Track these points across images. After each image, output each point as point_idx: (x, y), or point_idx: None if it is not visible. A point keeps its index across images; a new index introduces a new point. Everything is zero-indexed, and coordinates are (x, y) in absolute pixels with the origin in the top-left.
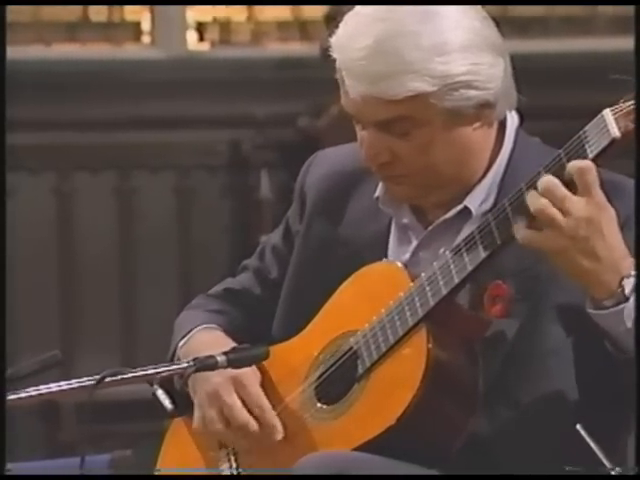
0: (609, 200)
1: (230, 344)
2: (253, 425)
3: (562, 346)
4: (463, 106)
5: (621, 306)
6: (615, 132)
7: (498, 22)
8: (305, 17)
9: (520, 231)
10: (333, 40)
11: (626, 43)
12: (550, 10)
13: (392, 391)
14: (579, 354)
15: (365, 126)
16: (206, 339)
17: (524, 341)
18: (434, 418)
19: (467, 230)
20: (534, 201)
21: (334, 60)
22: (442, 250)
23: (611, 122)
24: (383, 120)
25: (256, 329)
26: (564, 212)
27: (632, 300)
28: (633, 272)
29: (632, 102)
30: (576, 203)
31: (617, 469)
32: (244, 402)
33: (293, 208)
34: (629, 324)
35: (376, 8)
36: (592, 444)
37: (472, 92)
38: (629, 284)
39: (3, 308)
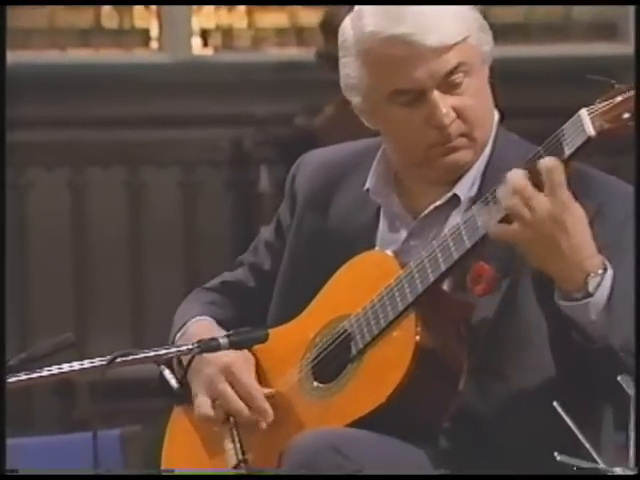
0: (581, 192)
1: (222, 333)
2: (244, 410)
3: (541, 320)
4: (488, 51)
5: (585, 301)
6: (591, 131)
7: None
8: (301, 24)
9: (489, 225)
10: (370, 30)
11: (601, 48)
12: (530, 17)
13: (383, 371)
14: (555, 330)
15: (422, 95)
16: (199, 330)
17: (506, 316)
18: (422, 396)
19: (455, 216)
20: (504, 196)
21: (330, 63)
22: (430, 238)
23: (587, 121)
24: (445, 74)
25: (249, 319)
26: (530, 209)
27: (599, 295)
28: (600, 270)
29: (607, 102)
30: (542, 201)
31: (616, 469)
32: (235, 390)
33: (284, 204)
34: (594, 317)
35: None
36: (568, 420)
37: (487, 37)
38: (594, 282)
39: (3, 302)
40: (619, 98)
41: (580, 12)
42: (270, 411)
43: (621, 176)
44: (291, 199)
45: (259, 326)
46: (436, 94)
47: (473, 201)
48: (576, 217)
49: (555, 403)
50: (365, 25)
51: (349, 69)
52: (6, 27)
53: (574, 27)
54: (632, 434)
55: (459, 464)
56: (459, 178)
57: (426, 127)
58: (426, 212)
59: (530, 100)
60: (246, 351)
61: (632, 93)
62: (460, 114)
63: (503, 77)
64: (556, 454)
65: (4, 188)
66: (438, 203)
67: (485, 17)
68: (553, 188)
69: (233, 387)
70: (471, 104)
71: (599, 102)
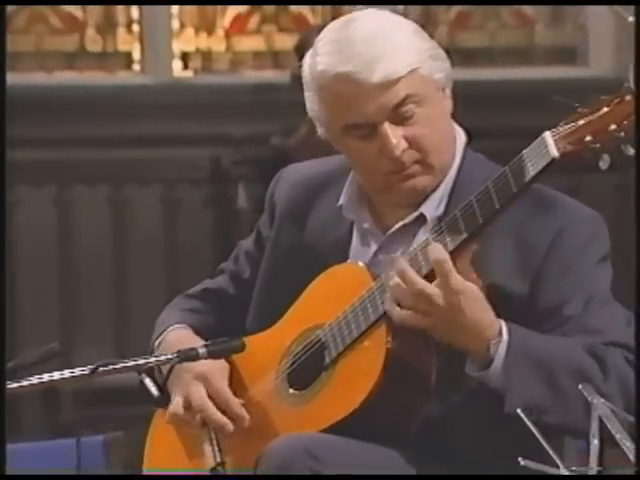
0: (541, 215)
1: (197, 342)
2: (219, 416)
3: None
4: (442, 78)
5: (490, 369)
6: (554, 152)
7: (448, 50)
8: (277, 48)
9: (393, 310)
10: (321, 69)
11: (562, 72)
12: (493, 42)
13: (356, 379)
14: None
15: (374, 129)
16: (176, 338)
17: None
18: (393, 403)
19: (422, 234)
20: (395, 289)
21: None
22: (398, 253)
23: (551, 143)
24: (394, 107)
25: (228, 324)
26: (427, 301)
27: (498, 359)
28: (500, 335)
29: (570, 125)
30: (435, 296)
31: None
32: (210, 397)
33: (264, 216)
34: (504, 378)
35: (339, 29)
36: (532, 427)
37: (443, 65)
38: (494, 345)
39: (3, 309)
40: (581, 121)
41: (542, 37)
42: (246, 416)
43: (584, 194)
44: (270, 211)
45: (238, 332)
46: (386, 126)
47: (440, 219)
48: (469, 297)
49: (519, 410)
50: (318, 63)
51: (310, 103)
52: (6, 27)
53: (536, 51)
54: (595, 440)
55: (427, 467)
56: (425, 198)
57: (381, 157)
58: (393, 230)
59: (494, 122)
60: (222, 360)
61: (595, 116)
62: (413, 143)
63: (468, 99)
64: (520, 459)
65: (4, 203)
66: (405, 221)
67: (446, 43)
68: (444, 278)
69: (209, 394)
70: (424, 133)
71: (562, 125)
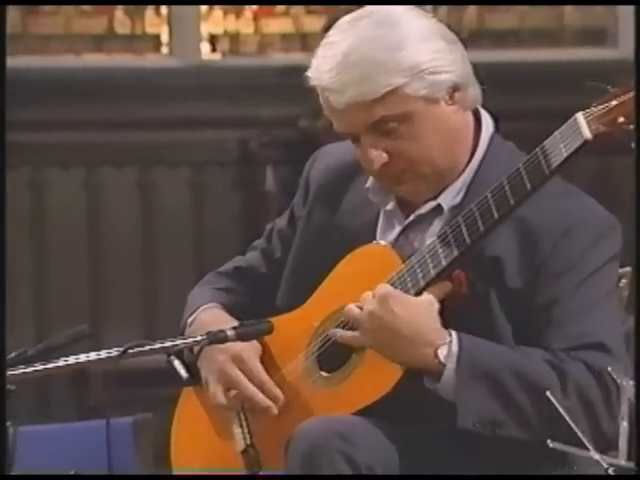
0: (552, 212)
1: (229, 321)
2: (257, 395)
3: (505, 323)
4: (436, 91)
5: (444, 376)
6: (587, 134)
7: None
8: (305, 30)
9: (337, 332)
10: (310, 73)
11: (591, 53)
12: (523, 23)
13: (386, 362)
14: (517, 330)
15: (358, 138)
16: (208, 318)
17: (478, 320)
18: (422, 385)
19: (438, 223)
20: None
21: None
22: (416, 242)
23: (583, 125)
24: (372, 124)
25: (259, 303)
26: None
27: (450, 371)
28: (450, 345)
29: (603, 107)
30: (368, 300)
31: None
32: (246, 376)
33: (298, 195)
34: (454, 393)
35: (338, 31)
36: (561, 410)
37: (439, 77)
38: (443, 351)
39: (3, 308)
40: (614, 102)
41: (571, 19)
42: (281, 396)
43: (612, 176)
44: (304, 191)
45: (268, 312)
46: (366, 138)
47: (455, 208)
48: (405, 303)
49: (548, 393)
50: (310, 67)
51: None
52: (6, 27)
53: (565, 33)
54: (624, 423)
55: (459, 446)
56: (445, 188)
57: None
58: (409, 220)
59: (523, 104)
60: (254, 341)
61: (627, 97)
62: (396, 156)
63: (497, 81)
64: (549, 441)
65: (4, 188)
66: (421, 212)
67: (475, 25)
68: (377, 288)
69: (245, 374)
70: (409, 147)
71: (594, 106)
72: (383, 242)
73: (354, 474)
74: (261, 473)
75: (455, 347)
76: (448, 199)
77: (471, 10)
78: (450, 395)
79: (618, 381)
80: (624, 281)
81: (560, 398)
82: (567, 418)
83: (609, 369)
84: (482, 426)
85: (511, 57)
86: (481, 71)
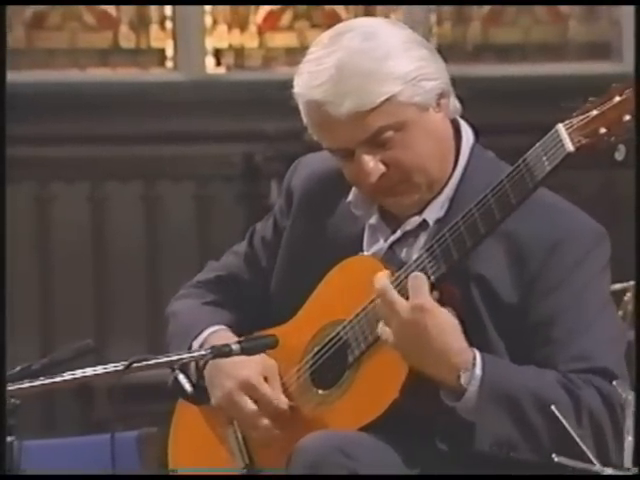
0: (541, 225)
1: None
2: (265, 422)
3: (497, 338)
4: (427, 98)
5: (464, 397)
6: (569, 146)
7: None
8: (309, 44)
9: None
10: (297, 89)
11: (596, 67)
12: (527, 38)
13: (382, 379)
14: (511, 345)
15: (351, 153)
16: (219, 341)
17: (472, 334)
18: (420, 399)
19: (423, 236)
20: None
21: None
22: (402, 256)
23: (565, 137)
24: (368, 137)
25: (251, 314)
26: (394, 313)
27: (472, 394)
28: (471, 364)
29: (583, 116)
30: (403, 306)
31: (607, 470)
32: (257, 403)
33: (280, 204)
34: (475, 414)
35: (320, 47)
36: (566, 424)
37: (429, 83)
38: (466, 377)
39: (3, 312)
40: (594, 112)
41: (575, 33)
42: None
43: (617, 190)
44: (287, 200)
45: (260, 324)
46: (361, 153)
47: (440, 221)
48: (438, 322)
49: (553, 407)
50: (296, 85)
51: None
52: (6, 27)
53: (570, 47)
54: (629, 437)
55: (458, 466)
56: (428, 204)
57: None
58: (396, 236)
59: (527, 118)
60: (266, 357)
61: (607, 106)
62: (392, 166)
63: (501, 95)
64: (554, 455)
65: (4, 200)
66: (407, 229)
67: (480, 39)
68: (415, 293)
69: (255, 400)
70: (404, 156)
71: (575, 116)
72: (370, 253)
73: None
74: (261, 473)
75: (479, 370)
76: (433, 213)
77: (475, 24)
78: (469, 415)
79: (623, 396)
80: (629, 295)
81: (574, 425)
82: (574, 434)
83: (614, 384)
84: (498, 448)
85: (515, 71)
86: (486, 85)
